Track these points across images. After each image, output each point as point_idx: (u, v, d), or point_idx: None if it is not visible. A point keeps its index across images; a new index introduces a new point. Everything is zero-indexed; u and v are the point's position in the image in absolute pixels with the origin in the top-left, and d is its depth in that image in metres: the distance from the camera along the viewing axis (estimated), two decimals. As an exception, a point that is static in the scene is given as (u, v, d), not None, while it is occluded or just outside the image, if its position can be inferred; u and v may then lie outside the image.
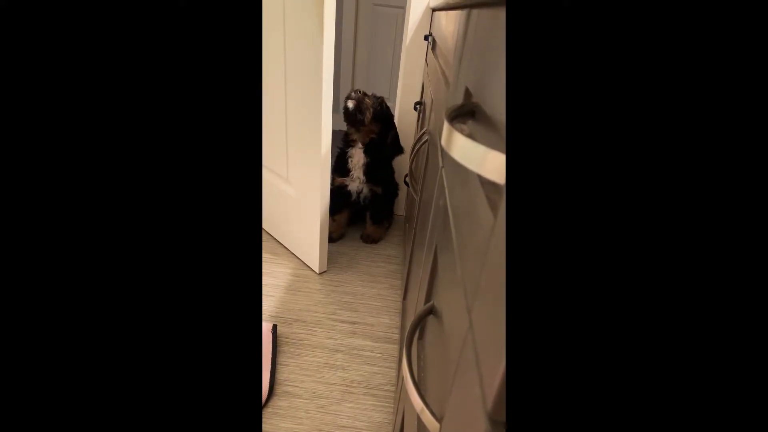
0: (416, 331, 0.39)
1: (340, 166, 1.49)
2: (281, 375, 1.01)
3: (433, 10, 1.27)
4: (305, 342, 1.11)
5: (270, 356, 1.02)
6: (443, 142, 0.21)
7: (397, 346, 1.13)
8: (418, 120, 1.55)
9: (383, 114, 1.43)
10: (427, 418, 0.30)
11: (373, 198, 1.53)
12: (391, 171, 1.60)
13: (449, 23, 0.65)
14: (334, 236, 1.59)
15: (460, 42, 0.44)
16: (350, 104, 1.37)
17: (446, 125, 0.21)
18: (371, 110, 1.38)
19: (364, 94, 1.40)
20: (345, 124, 1.45)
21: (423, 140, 0.87)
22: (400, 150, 1.53)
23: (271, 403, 0.93)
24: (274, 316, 1.18)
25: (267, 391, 0.94)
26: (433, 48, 1.15)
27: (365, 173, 1.47)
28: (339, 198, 1.50)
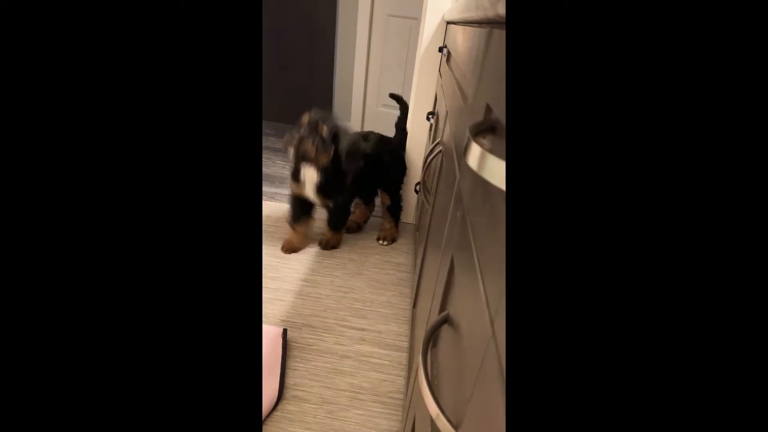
0: (431, 339, 0.39)
1: (295, 173, 1.44)
2: (290, 379, 1.01)
3: (448, 23, 1.28)
4: (314, 347, 1.12)
5: (280, 360, 1.03)
6: (468, 158, 0.22)
7: (405, 354, 1.13)
8: (430, 130, 1.57)
9: (328, 141, 1.34)
10: (443, 423, 0.30)
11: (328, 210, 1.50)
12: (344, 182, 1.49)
13: (466, 38, 0.66)
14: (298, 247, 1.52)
15: (479, 59, 0.45)
16: (290, 151, 1.33)
17: (471, 141, 0.22)
18: (314, 147, 1.32)
19: (301, 137, 1.31)
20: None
21: (436, 151, 0.88)
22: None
23: (280, 407, 0.94)
24: (284, 321, 1.20)
25: (277, 395, 0.95)
26: (448, 60, 1.17)
27: (317, 191, 1.42)
28: (301, 206, 1.48)
